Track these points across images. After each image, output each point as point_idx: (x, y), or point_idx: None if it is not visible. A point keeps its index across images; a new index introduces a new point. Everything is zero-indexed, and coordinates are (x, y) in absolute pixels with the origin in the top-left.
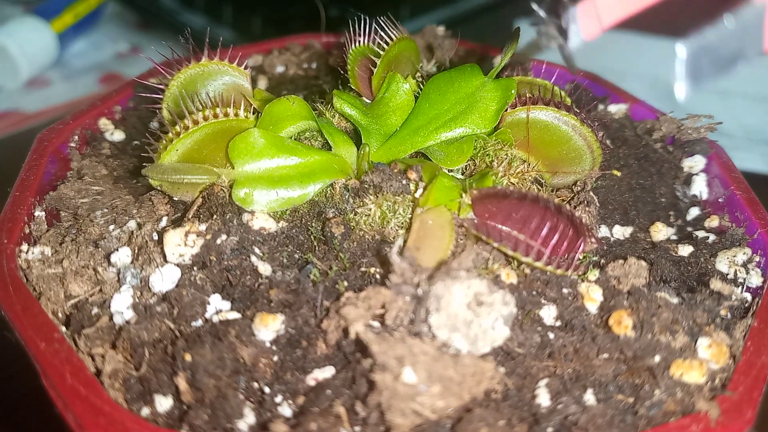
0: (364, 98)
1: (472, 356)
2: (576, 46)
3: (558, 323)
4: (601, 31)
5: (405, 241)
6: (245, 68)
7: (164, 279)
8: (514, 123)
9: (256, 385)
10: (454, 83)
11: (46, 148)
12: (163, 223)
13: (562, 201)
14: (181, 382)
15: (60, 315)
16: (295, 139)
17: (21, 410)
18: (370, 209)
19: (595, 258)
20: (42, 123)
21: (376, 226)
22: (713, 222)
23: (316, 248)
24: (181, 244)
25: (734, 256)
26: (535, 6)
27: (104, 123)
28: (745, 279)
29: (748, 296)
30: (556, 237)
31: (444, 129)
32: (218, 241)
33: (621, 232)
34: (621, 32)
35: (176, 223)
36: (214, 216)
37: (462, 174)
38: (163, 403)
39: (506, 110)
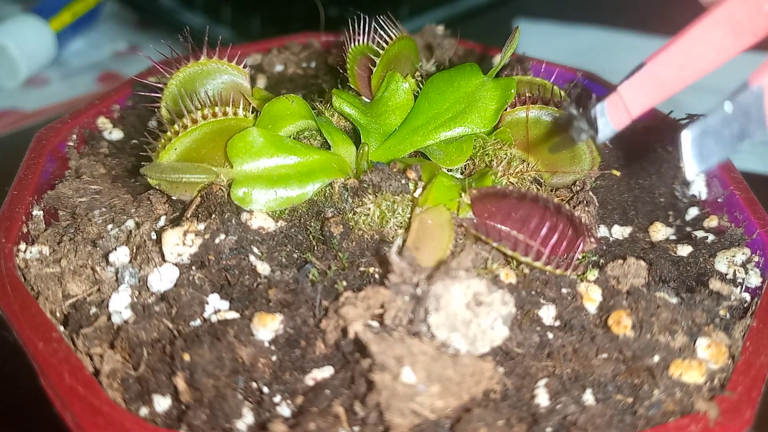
0: (363, 97)
1: (471, 356)
2: (606, 137)
3: (557, 323)
4: (630, 121)
5: (404, 241)
6: (244, 67)
7: (162, 278)
8: (514, 122)
9: (254, 385)
10: (453, 82)
11: (44, 146)
12: (162, 222)
13: (562, 201)
14: (180, 382)
15: (58, 314)
16: (294, 139)
17: (19, 410)
18: (369, 209)
19: (594, 258)
20: (40, 122)
21: (375, 225)
22: (712, 222)
23: (315, 248)
24: (180, 243)
25: (733, 256)
26: (565, 104)
27: (103, 122)
28: (744, 279)
29: (747, 296)
30: (555, 237)
31: (443, 128)
32: (217, 241)
33: (620, 232)
34: (618, 32)
35: (175, 222)
36: (213, 215)
37: (461, 173)
38: (162, 403)
39: (506, 110)
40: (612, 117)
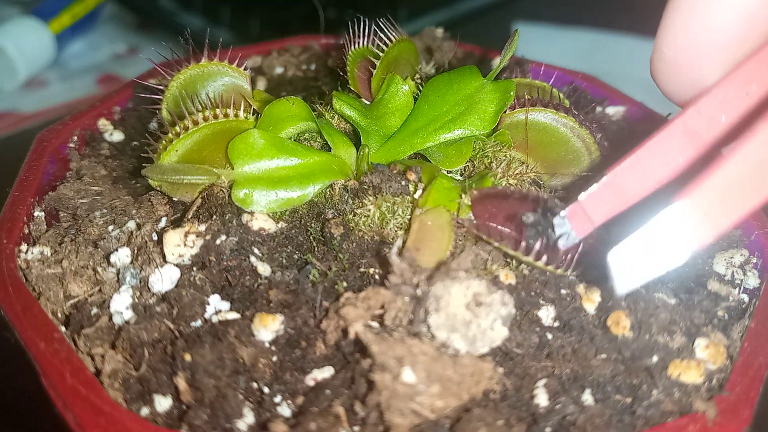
0: (363, 100)
1: (470, 356)
2: (569, 245)
3: (556, 324)
4: (593, 228)
5: (404, 242)
6: (245, 69)
7: (164, 279)
8: (513, 125)
9: (255, 385)
10: (453, 85)
11: (45, 148)
12: (163, 223)
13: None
14: (181, 382)
15: (59, 315)
16: (294, 140)
17: (20, 410)
18: (370, 210)
19: None
20: (39, 123)
21: (376, 226)
22: None
23: (316, 249)
24: (181, 244)
25: (731, 258)
26: (525, 214)
27: (103, 123)
28: (742, 280)
29: (745, 297)
30: None
31: (443, 130)
32: (218, 242)
33: None
34: (617, 35)
35: (176, 223)
36: (214, 216)
37: (461, 175)
38: (163, 403)
39: (505, 112)
40: (574, 225)
